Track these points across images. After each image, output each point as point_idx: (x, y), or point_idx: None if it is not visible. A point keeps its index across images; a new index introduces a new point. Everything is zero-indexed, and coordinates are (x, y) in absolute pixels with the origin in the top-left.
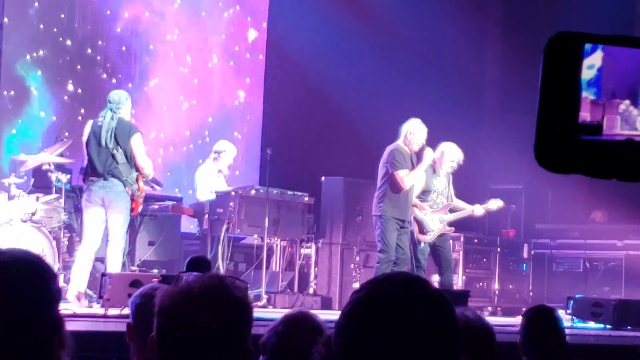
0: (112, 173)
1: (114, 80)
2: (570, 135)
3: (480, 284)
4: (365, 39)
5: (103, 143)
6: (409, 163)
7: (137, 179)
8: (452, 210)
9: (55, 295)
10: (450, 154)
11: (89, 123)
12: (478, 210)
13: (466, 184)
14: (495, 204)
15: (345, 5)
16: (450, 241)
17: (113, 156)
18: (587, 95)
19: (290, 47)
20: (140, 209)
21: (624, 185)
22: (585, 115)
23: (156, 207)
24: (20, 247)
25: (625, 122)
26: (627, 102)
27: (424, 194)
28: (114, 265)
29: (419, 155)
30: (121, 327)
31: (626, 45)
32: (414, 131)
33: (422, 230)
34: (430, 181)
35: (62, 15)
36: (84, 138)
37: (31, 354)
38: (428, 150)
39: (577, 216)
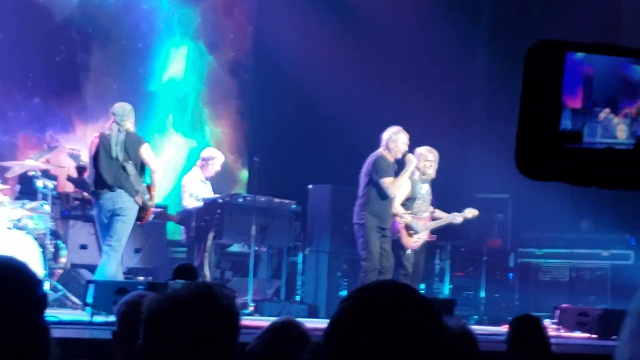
0: (121, 185)
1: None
2: (551, 143)
3: (467, 292)
4: (354, 47)
5: (114, 156)
6: (392, 170)
7: (149, 189)
8: (434, 218)
9: (40, 301)
10: (424, 156)
11: (95, 137)
12: (457, 218)
13: (452, 193)
14: (471, 212)
15: (333, 12)
16: (438, 250)
17: (124, 168)
18: (568, 103)
19: (277, 55)
20: (150, 217)
21: (610, 195)
22: (566, 123)
23: None
24: (5, 254)
25: (606, 130)
26: (607, 110)
27: (409, 200)
28: (110, 272)
29: (400, 162)
30: (106, 334)
31: (607, 53)
32: (395, 139)
33: (411, 234)
34: (415, 188)
35: None
36: (90, 152)
37: None
38: (410, 157)
39: (564, 225)
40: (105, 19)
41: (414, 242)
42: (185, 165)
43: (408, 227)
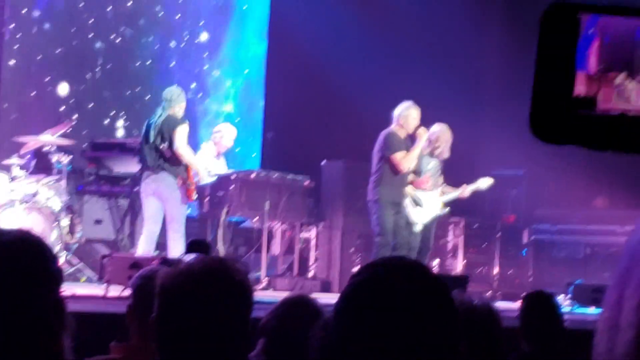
0: (162, 167)
1: None
2: (564, 109)
3: (480, 269)
4: (367, 23)
5: (151, 139)
6: (404, 146)
7: (187, 169)
8: (443, 192)
9: (56, 276)
10: (444, 136)
11: (146, 121)
12: (467, 190)
13: (466, 169)
14: (485, 182)
15: None
16: (451, 227)
17: (160, 151)
18: (582, 68)
19: (292, 31)
20: (195, 195)
21: (625, 171)
22: (579, 89)
23: None
24: (21, 228)
25: (620, 95)
26: (622, 75)
27: (415, 174)
28: (176, 250)
29: (413, 137)
30: (121, 308)
31: (625, 14)
32: (406, 114)
33: (419, 206)
34: (421, 162)
35: None
36: (140, 136)
37: (32, 334)
38: (422, 130)
39: (578, 202)
40: None
41: (422, 216)
42: None
43: (414, 200)
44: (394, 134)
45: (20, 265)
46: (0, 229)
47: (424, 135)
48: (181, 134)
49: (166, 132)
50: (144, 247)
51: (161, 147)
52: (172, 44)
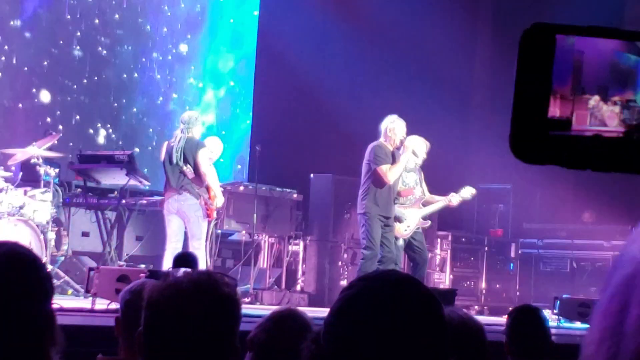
0: (185, 188)
1: None
2: (540, 130)
3: (468, 282)
4: (355, 38)
5: (174, 161)
6: (390, 158)
7: (208, 190)
8: (425, 204)
9: (47, 288)
10: (417, 146)
11: (165, 144)
12: (454, 199)
13: (454, 183)
14: (468, 191)
15: (335, 4)
16: (439, 239)
17: (183, 172)
18: (557, 90)
19: (280, 45)
20: (215, 214)
21: (612, 186)
22: (554, 110)
23: (144, 202)
24: (11, 241)
25: (595, 117)
26: (596, 97)
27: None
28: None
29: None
30: (108, 321)
31: (600, 36)
32: (392, 127)
33: (398, 222)
34: (400, 177)
35: None
36: (161, 157)
37: (23, 349)
38: (407, 144)
39: (565, 216)
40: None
41: (404, 230)
42: None
43: (396, 216)
44: (381, 147)
45: (13, 277)
46: None
47: (409, 148)
48: (204, 157)
49: (189, 154)
50: (169, 264)
51: (184, 168)
52: (156, 54)
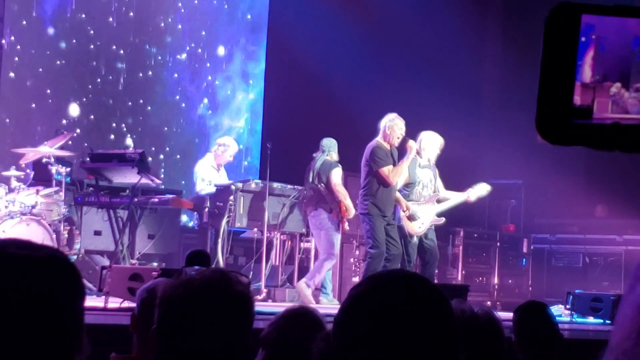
0: (320, 204)
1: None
2: (563, 118)
3: (480, 278)
4: (367, 34)
5: (310, 180)
6: (390, 158)
7: (340, 204)
8: (439, 201)
9: (82, 292)
10: (430, 142)
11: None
12: (472, 195)
13: (466, 179)
14: (484, 188)
15: (345, 3)
16: (451, 236)
17: (318, 190)
18: (580, 77)
19: (291, 42)
20: (347, 226)
21: (624, 180)
22: (576, 98)
23: (156, 200)
24: (46, 244)
25: (617, 105)
26: (618, 84)
27: (408, 186)
28: (323, 271)
29: (400, 148)
30: (120, 319)
31: (627, 15)
32: (391, 125)
33: (412, 219)
34: (413, 173)
35: None
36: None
37: (58, 351)
38: (411, 143)
39: (577, 211)
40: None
41: (417, 228)
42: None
43: (409, 215)
44: (380, 147)
45: (60, 283)
46: (27, 242)
47: (413, 148)
48: (337, 175)
49: (323, 174)
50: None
51: (319, 186)
52: (182, 56)
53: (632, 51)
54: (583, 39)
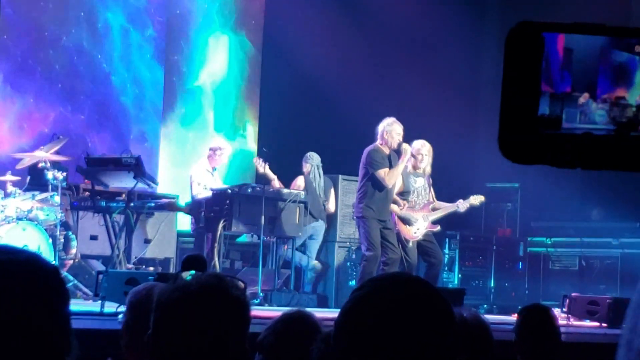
0: (320, 216)
1: None
2: (530, 129)
3: (476, 282)
4: (362, 38)
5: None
6: (387, 162)
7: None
8: (434, 209)
9: (65, 294)
10: (428, 152)
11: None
12: (462, 206)
13: (461, 182)
14: (476, 199)
15: (342, 3)
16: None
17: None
18: (547, 88)
19: (286, 45)
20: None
21: (619, 184)
22: (544, 108)
23: (152, 204)
24: (20, 246)
25: (585, 115)
26: (586, 95)
27: (403, 194)
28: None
29: (398, 153)
30: (117, 325)
31: (587, 32)
32: (389, 130)
33: (408, 225)
34: (408, 181)
35: None
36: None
37: (43, 355)
38: (405, 146)
39: (573, 214)
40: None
41: (413, 233)
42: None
43: (403, 219)
44: (377, 151)
45: (36, 283)
46: (8, 247)
47: (408, 151)
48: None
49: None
50: None
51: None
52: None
53: (600, 61)
54: (550, 50)
